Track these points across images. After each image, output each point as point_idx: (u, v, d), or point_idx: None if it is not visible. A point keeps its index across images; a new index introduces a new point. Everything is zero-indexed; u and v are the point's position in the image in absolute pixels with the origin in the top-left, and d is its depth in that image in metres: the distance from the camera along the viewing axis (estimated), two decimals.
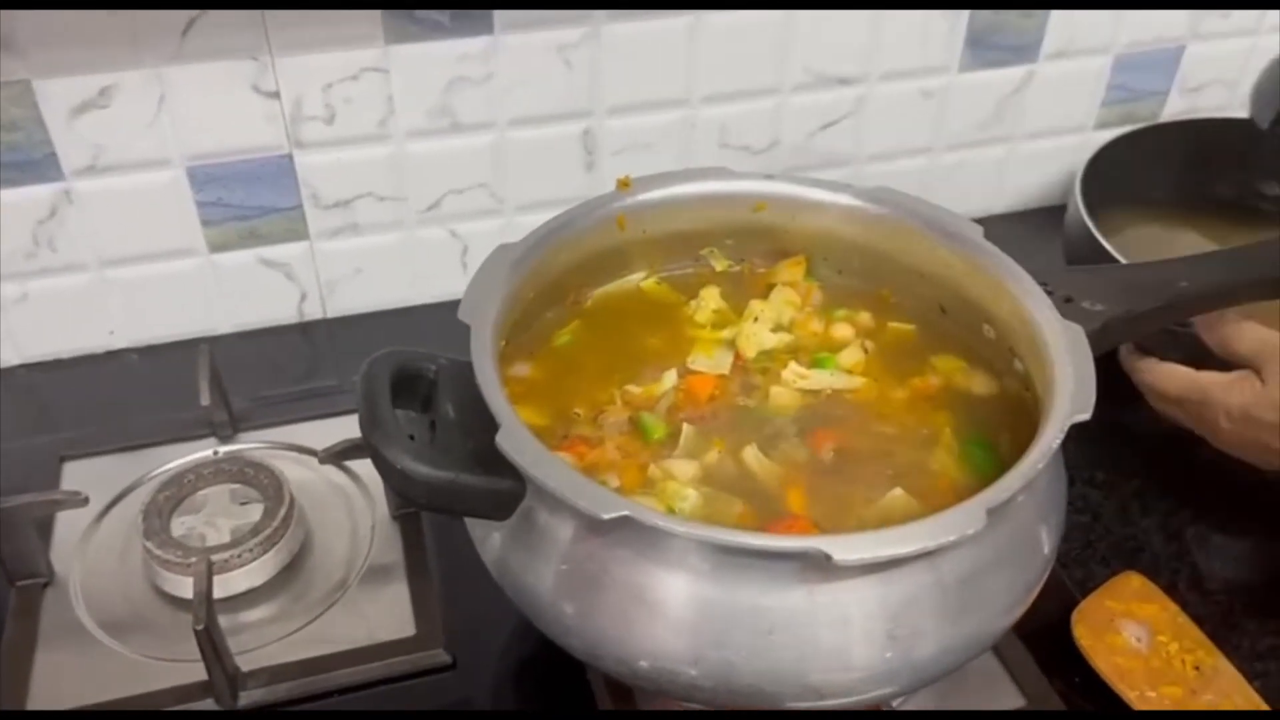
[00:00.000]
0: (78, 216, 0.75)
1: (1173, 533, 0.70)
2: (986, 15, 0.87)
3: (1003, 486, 0.46)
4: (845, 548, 0.43)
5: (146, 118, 0.73)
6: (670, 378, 0.59)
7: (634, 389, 0.58)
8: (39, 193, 0.74)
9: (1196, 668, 0.60)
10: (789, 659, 0.46)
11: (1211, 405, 0.63)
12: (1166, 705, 0.58)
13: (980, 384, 0.60)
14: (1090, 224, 0.76)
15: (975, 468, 0.55)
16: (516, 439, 0.47)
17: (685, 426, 0.56)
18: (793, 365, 0.59)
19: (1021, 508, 0.49)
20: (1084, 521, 0.70)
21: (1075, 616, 0.62)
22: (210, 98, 0.73)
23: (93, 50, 0.70)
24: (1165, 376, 0.67)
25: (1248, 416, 0.62)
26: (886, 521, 0.51)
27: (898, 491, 0.53)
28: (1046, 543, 0.51)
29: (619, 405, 0.57)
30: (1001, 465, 0.53)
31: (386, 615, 0.62)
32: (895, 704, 0.56)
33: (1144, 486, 0.73)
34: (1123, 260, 0.72)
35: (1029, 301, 0.56)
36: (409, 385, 0.53)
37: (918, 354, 0.62)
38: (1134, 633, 0.61)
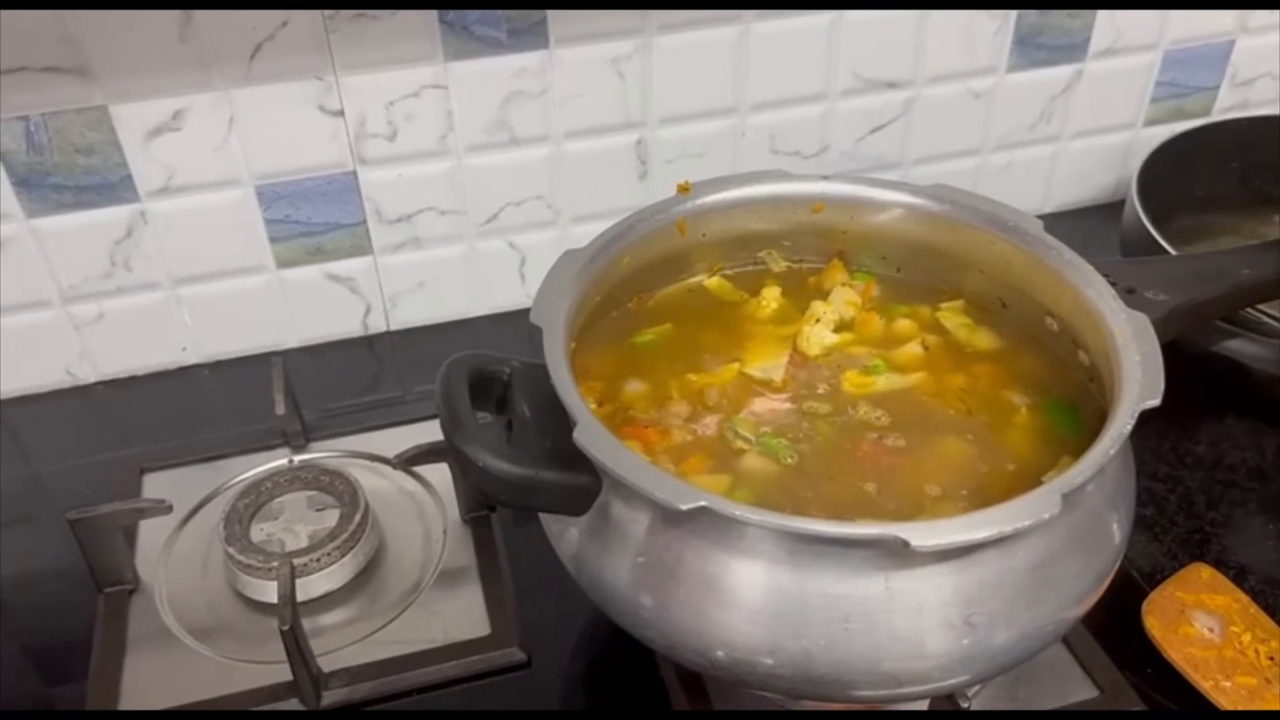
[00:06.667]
0: (152, 236, 0.78)
1: (1239, 525, 0.70)
2: (1033, 16, 0.88)
3: (1076, 472, 0.46)
4: (923, 534, 0.43)
5: (217, 139, 0.76)
6: (736, 370, 0.60)
7: (700, 380, 0.60)
8: (116, 214, 0.76)
9: (1271, 658, 0.60)
10: (866, 647, 0.46)
11: None
12: (1243, 695, 0.58)
13: (1045, 375, 0.61)
14: (1148, 223, 0.76)
15: (1057, 430, 0.56)
16: (593, 435, 0.48)
17: (753, 418, 0.57)
18: (849, 375, 0.60)
19: (1093, 495, 0.50)
20: (1148, 515, 0.70)
21: (1145, 608, 0.62)
22: (277, 118, 0.76)
23: (166, 76, 0.72)
24: None
25: None
26: (958, 509, 0.52)
27: (970, 478, 0.53)
28: (1118, 532, 0.52)
29: (685, 396, 0.59)
30: (1081, 429, 0.53)
31: (461, 616, 0.64)
32: (970, 693, 0.56)
33: (1207, 480, 0.73)
34: None
35: (1092, 293, 0.56)
36: (484, 388, 0.54)
37: (979, 346, 0.62)
38: (1206, 623, 0.61)
